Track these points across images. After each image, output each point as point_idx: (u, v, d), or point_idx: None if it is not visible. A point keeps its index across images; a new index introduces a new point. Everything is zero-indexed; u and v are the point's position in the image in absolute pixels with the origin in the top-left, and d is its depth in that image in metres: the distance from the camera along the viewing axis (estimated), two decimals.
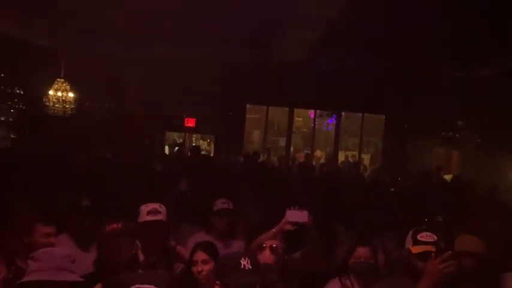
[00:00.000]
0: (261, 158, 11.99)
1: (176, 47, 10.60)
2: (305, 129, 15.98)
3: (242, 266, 2.13)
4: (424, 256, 2.38)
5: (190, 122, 13.17)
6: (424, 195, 6.50)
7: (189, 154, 10.85)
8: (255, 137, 15.32)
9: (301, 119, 15.82)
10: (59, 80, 11.08)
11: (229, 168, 8.73)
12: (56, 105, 10.97)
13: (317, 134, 14.97)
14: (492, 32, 7.71)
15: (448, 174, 10.99)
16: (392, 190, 7.75)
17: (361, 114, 13.69)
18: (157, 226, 3.29)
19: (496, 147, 10.43)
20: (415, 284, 2.33)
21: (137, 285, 2.02)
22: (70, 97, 11.19)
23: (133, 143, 11.09)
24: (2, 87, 11.74)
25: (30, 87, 11.79)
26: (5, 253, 2.31)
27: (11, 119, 12.20)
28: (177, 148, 12.74)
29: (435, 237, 2.46)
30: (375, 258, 3.11)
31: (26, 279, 2.08)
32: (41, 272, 2.07)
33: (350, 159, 14.03)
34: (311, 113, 14.94)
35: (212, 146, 14.08)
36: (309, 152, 14.10)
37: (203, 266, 2.93)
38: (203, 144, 14.39)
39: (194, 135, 14.42)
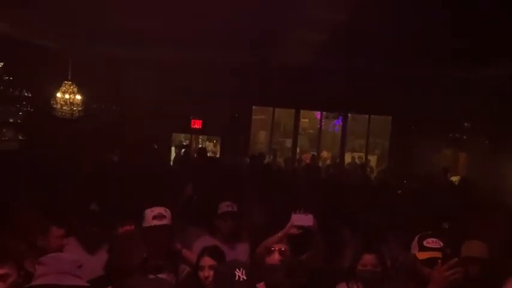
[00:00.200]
0: (267, 159, 12.01)
1: (183, 49, 10.62)
2: (311, 130, 15.96)
3: (237, 278, 2.11)
4: (430, 262, 2.37)
5: (196, 124, 13.21)
6: (430, 197, 6.47)
7: (195, 156, 10.89)
8: (261, 137, 15.32)
9: (307, 120, 15.80)
10: (66, 82, 11.14)
11: (235, 169, 8.74)
12: (64, 108, 11.04)
13: (323, 135, 14.94)
14: (501, 32, 7.65)
15: (455, 175, 10.94)
16: (399, 192, 7.71)
17: (367, 115, 13.66)
18: (163, 231, 3.30)
19: (504, 149, 10.35)
20: None
21: None
22: (77, 99, 11.26)
23: (141, 145, 11.14)
24: (11, 89, 11.85)
25: (38, 89, 11.88)
26: (16, 257, 2.34)
27: (19, 121, 12.31)
28: (183, 150, 12.79)
29: (441, 244, 2.45)
30: (382, 264, 3.11)
31: (32, 284, 2.10)
32: (47, 277, 2.09)
33: (357, 161, 13.99)
34: (317, 114, 14.92)
35: (218, 147, 14.11)
36: (315, 154, 14.08)
37: (210, 271, 2.94)
38: (209, 146, 14.42)
39: (200, 137, 14.46)
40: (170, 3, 7.51)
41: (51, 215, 3.54)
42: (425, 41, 8.71)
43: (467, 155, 12.45)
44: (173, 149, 13.71)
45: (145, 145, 11.47)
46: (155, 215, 3.32)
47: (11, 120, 12.25)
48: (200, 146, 13.84)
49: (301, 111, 14.21)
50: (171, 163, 11.68)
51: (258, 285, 2.56)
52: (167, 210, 3.40)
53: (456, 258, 2.29)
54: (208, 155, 11.68)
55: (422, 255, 2.44)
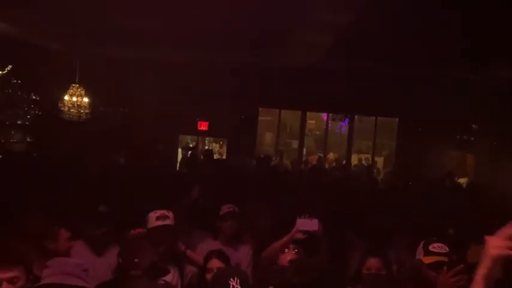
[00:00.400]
0: (274, 161, 12.01)
1: (189, 51, 10.66)
2: (318, 132, 15.94)
3: (231, 287, 2.12)
4: (436, 266, 2.37)
5: (203, 126, 13.23)
6: (437, 200, 6.44)
7: (201, 157, 10.91)
8: (267, 139, 15.31)
9: (313, 121, 15.77)
10: (74, 85, 11.24)
11: (241, 171, 8.74)
12: (71, 110, 11.14)
13: (330, 137, 14.90)
14: (509, 33, 7.60)
15: (462, 177, 10.87)
16: (406, 194, 7.67)
17: (374, 117, 13.63)
18: (167, 231, 3.36)
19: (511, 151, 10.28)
20: None
21: None
22: (85, 102, 11.35)
23: (147, 147, 11.19)
24: (19, 92, 11.98)
25: (46, 92, 11.98)
26: (26, 261, 2.37)
27: (27, 123, 12.43)
28: (190, 152, 12.82)
29: (447, 249, 2.45)
30: (388, 268, 3.11)
31: (37, 284, 2.17)
32: (51, 277, 2.16)
33: (364, 162, 13.94)
34: (324, 115, 14.89)
35: (225, 148, 14.14)
36: (322, 155, 14.05)
37: None
38: (216, 147, 14.45)
39: (207, 139, 14.50)
40: (176, 6, 7.55)
41: (59, 217, 3.56)
42: (431, 42, 8.67)
43: (474, 156, 12.37)
44: (180, 150, 13.76)
45: (152, 147, 11.52)
46: (158, 216, 3.39)
47: (19, 123, 12.38)
48: (207, 147, 13.88)
49: (308, 112, 14.20)
50: (178, 165, 11.72)
51: None
52: (170, 212, 3.46)
53: (462, 265, 2.28)
54: (215, 156, 11.69)
55: (428, 259, 2.45)
